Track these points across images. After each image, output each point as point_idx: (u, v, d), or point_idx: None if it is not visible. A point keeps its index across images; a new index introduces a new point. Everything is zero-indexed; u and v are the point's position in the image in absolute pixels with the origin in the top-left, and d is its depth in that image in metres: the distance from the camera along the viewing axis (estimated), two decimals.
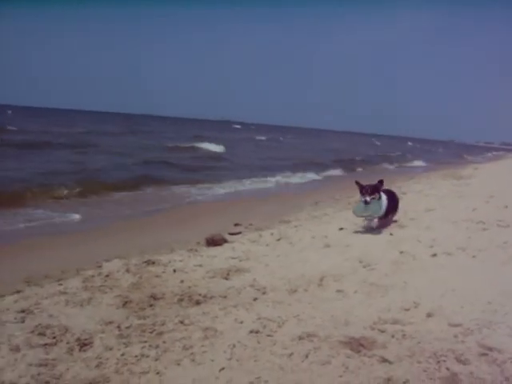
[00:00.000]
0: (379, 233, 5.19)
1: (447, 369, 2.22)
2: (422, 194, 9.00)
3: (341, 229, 5.45)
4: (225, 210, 8.10)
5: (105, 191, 9.14)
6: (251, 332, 2.62)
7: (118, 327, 2.67)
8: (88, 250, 5.05)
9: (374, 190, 5.13)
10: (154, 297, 3.14)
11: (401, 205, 5.96)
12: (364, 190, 5.13)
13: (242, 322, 2.75)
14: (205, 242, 4.83)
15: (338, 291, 3.31)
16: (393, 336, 2.56)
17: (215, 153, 21.40)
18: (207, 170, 14.60)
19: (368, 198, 5.06)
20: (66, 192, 8.66)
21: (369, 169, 19.80)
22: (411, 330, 2.63)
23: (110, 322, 2.73)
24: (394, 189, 6.33)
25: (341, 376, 2.18)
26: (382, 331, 2.63)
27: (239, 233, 5.56)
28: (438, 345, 2.45)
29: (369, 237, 5.04)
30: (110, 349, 2.41)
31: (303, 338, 2.54)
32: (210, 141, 25.48)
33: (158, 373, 2.20)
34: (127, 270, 3.74)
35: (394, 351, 2.39)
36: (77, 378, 2.15)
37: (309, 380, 2.15)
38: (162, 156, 16.97)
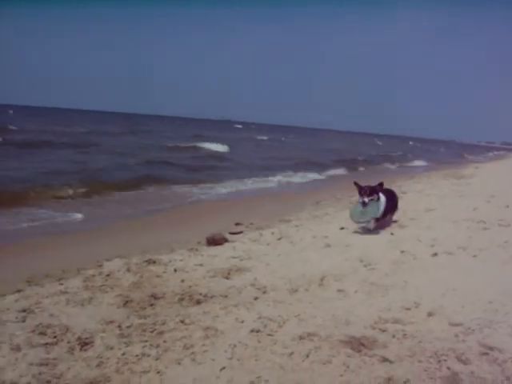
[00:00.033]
0: (380, 232, 5.19)
1: (448, 368, 2.22)
2: (423, 193, 8.99)
3: (342, 228, 5.45)
4: (226, 210, 8.10)
5: (107, 191, 9.16)
6: (252, 331, 2.62)
7: (119, 326, 2.67)
8: (89, 249, 5.06)
9: (373, 191, 5.13)
10: (154, 296, 3.14)
11: (401, 204, 5.96)
12: (363, 191, 5.13)
13: (242, 322, 2.75)
14: (205, 242, 4.83)
15: (339, 291, 3.30)
16: (393, 335, 2.56)
17: (216, 152, 21.40)
18: (209, 169, 14.61)
19: (366, 200, 5.06)
20: (68, 192, 8.68)
21: (370, 168, 19.80)
22: (412, 330, 2.63)
23: (111, 322, 2.73)
24: (394, 188, 6.32)
25: (341, 375, 2.18)
26: (383, 331, 2.63)
27: (240, 232, 5.56)
28: (438, 344, 2.45)
29: (369, 236, 5.04)
30: (111, 348, 2.41)
31: (304, 337, 2.54)
32: (211, 140, 25.49)
33: (158, 372, 2.20)
34: (128, 270, 3.74)
35: (394, 351, 2.39)
36: (78, 377, 2.15)
37: (309, 379, 2.15)
38: (163, 156, 17.00)
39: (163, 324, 2.70)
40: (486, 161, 31.18)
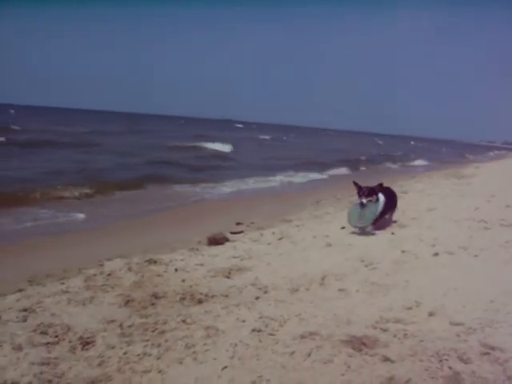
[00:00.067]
0: (381, 232, 5.18)
1: (449, 368, 2.21)
2: (424, 193, 8.98)
3: (343, 228, 5.44)
4: (227, 209, 8.10)
5: (109, 190, 9.16)
6: (253, 331, 2.62)
7: (120, 326, 2.67)
8: (91, 249, 5.07)
9: (371, 192, 5.09)
10: (155, 296, 3.14)
11: (402, 204, 5.95)
12: (361, 191, 5.09)
13: (243, 321, 2.75)
14: (206, 241, 4.83)
15: (340, 290, 3.30)
16: (395, 335, 2.56)
17: (218, 152, 21.40)
18: (210, 169, 14.62)
19: (364, 201, 5.02)
20: (70, 191, 8.68)
21: (372, 168, 19.77)
22: (413, 329, 2.63)
23: (112, 321, 2.73)
24: (395, 188, 6.31)
25: (343, 375, 2.17)
26: (384, 330, 2.62)
27: (241, 232, 5.56)
28: (440, 344, 2.44)
29: (370, 236, 5.04)
30: (112, 347, 2.41)
31: (305, 336, 2.54)
32: (213, 140, 25.49)
33: (160, 371, 2.21)
34: (129, 269, 3.75)
35: (396, 350, 2.39)
36: (79, 376, 2.16)
37: (311, 379, 2.15)
38: (164, 155, 16.99)
39: (164, 323, 2.71)
40: (486, 160, 31.11)
